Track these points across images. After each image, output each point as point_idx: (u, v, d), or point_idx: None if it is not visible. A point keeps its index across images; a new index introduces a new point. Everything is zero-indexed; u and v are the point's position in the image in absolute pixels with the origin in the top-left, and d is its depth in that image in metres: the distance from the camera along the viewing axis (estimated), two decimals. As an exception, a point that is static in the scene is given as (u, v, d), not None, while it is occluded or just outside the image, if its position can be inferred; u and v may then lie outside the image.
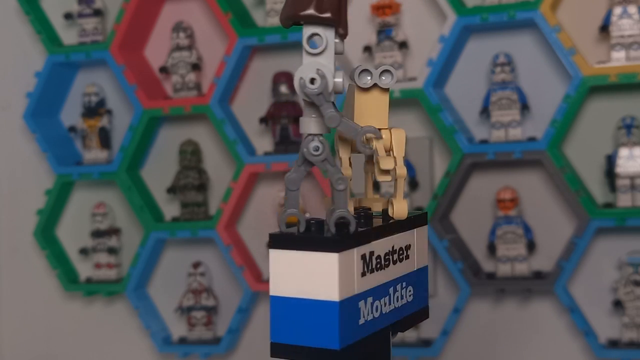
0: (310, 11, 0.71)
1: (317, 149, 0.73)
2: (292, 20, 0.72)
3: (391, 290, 0.78)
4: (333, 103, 0.73)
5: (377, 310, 0.76)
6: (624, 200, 1.43)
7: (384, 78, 0.79)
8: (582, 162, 1.50)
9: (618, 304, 1.45)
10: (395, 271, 0.79)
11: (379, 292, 0.76)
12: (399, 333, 0.82)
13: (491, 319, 1.56)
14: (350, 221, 0.72)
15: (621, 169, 1.43)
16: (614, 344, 1.46)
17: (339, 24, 0.72)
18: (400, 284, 0.79)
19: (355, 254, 0.72)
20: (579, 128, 1.50)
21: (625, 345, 1.44)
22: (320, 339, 0.71)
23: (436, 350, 1.52)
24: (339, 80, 0.73)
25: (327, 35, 0.72)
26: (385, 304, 0.77)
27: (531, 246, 1.50)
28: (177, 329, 1.71)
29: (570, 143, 1.51)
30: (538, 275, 1.49)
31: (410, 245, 0.81)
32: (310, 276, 0.71)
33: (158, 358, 1.74)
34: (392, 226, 0.79)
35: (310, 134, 0.73)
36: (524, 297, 1.53)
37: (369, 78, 0.80)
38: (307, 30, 0.72)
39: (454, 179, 1.48)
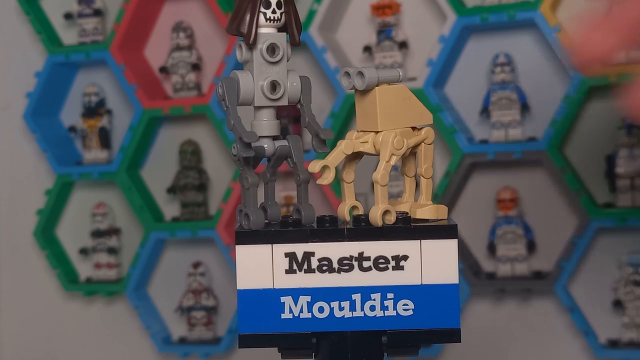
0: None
1: (234, 150, 0.80)
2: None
3: (356, 297, 0.79)
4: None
5: (322, 312, 0.79)
6: (624, 200, 1.43)
7: (361, 80, 0.80)
8: (582, 162, 1.50)
9: (618, 304, 1.45)
10: (365, 279, 0.79)
11: (326, 294, 0.79)
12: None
13: (491, 319, 1.56)
14: (250, 217, 0.78)
15: (621, 169, 1.43)
16: (614, 344, 1.46)
17: (246, 37, 0.79)
18: (379, 294, 0.79)
19: (272, 250, 0.78)
20: (579, 128, 1.50)
21: (625, 345, 1.44)
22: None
23: (436, 350, 1.53)
24: (260, 84, 0.80)
25: (244, 47, 0.80)
26: (345, 309, 0.79)
27: (531, 246, 1.50)
28: (177, 329, 1.71)
29: (570, 143, 1.51)
30: (538, 275, 1.49)
31: (406, 256, 0.79)
32: None
33: (158, 358, 1.74)
34: (357, 232, 0.79)
35: None
36: (524, 297, 1.53)
37: (349, 81, 0.80)
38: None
39: (454, 179, 1.48)
